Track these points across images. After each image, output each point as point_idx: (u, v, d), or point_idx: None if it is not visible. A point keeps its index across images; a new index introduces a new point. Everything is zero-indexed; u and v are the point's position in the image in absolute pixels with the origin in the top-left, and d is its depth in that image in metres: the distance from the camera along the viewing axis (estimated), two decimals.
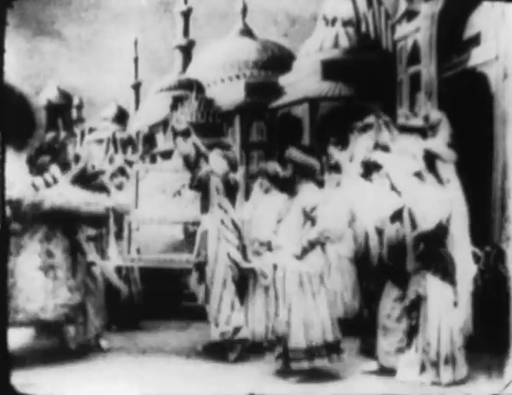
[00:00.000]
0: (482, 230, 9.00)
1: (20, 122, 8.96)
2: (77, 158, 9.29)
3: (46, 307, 8.16)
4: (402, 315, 7.65)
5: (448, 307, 7.37)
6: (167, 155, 11.76)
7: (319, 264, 7.58)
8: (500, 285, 8.31)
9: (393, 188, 7.80)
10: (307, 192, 7.63)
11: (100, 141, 12.18)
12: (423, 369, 7.36)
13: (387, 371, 7.61)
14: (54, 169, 8.71)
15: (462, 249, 7.52)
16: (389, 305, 7.70)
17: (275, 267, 7.71)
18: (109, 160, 10.87)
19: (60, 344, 8.31)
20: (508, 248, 8.48)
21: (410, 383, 7.38)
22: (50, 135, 10.13)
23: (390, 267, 7.71)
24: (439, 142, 7.92)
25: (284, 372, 7.49)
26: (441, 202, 7.43)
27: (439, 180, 7.57)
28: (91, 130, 12.41)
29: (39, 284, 8.20)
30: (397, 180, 7.74)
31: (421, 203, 7.46)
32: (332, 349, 7.45)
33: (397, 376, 7.47)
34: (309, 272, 7.48)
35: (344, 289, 9.10)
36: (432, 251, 7.41)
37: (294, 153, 7.73)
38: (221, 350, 8.27)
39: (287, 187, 7.85)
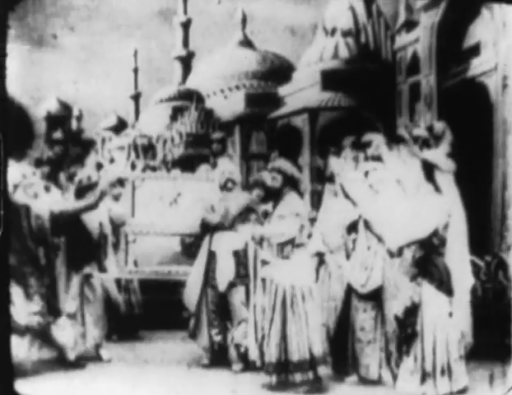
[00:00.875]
0: (483, 240, 9.00)
1: (19, 132, 8.95)
2: (99, 166, 9.31)
3: (20, 313, 8.15)
4: (375, 325, 7.64)
5: (443, 317, 7.34)
6: (177, 163, 11.78)
7: (306, 277, 7.59)
8: (501, 295, 8.31)
9: (346, 196, 7.84)
10: (284, 202, 7.70)
11: (121, 148, 12.19)
12: (424, 378, 7.32)
13: (368, 383, 7.61)
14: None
15: (459, 259, 7.52)
16: (360, 318, 7.69)
17: (263, 279, 7.79)
18: (130, 165, 10.89)
19: (58, 355, 8.28)
20: (508, 257, 8.48)
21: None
22: (57, 148, 10.15)
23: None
24: (438, 152, 7.94)
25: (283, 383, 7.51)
26: (438, 211, 7.43)
27: (437, 189, 7.57)
28: (112, 138, 12.43)
29: (16, 290, 8.19)
30: (353, 191, 7.80)
31: (418, 212, 7.46)
32: (313, 363, 7.46)
33: (396, 387, 7.45)
34: (293, 285, 7.49)
35: None
36: (428, 259, 7.40)
37: (283, 164, 7.80)
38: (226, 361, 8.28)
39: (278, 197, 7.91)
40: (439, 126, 8.29)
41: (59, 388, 7.59)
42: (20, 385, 7.53)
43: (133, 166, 10.45)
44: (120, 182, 9.67)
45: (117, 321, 9.19)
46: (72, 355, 8.33)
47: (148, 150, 11.58)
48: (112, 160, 11.11)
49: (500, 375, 7.63)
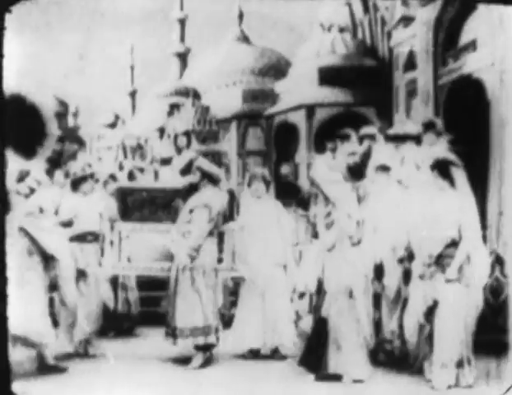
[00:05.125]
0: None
1: (27, 130, 8.95)
2: (88, 165, 9.31)
3: None
4: (357, 325, 7.59)
5: (463, 311, 7.30)
6: (166, 161, 11.78)
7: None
8: (498, 291, 8.32)
9: (325, 195, 7.80)
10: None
11: (109, 148, 12.19)
12: (460, 364, 7.27)
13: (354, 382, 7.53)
14: (37, 173, 8.70)
15: (477, 252, 7.41)
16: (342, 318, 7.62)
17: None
18: (118, 166, 10.87)
19: (39, 358, 8.20)
20: (505, 254, 8.47)
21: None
22: (55, 145, 10.15)
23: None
24: (444, 148, 7.93)
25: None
26: (457, 209, 7.37)
27: (453, 185, 7.47)
28: (100, 137, 12.45)
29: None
30: (328, 188, 7.77)
31: (441, 210, 7.41)
32: None
33: (434, 383, 7.34)
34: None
35: None
36: (446, 254, 7.37)
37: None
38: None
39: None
40: (439, 122, 8.31)
41: (55, 388, 7.59)
42: (17, 386, 7.53)
43: (121, 167, 10.43)
44: (113, 178, 9.69)
45: (113, 318, 9.21)
46: (50, 361, 8.23)
47: (136, 151, 11.58)
48: (100, 160, 11.12)
49: (496, 372, 7.64)
